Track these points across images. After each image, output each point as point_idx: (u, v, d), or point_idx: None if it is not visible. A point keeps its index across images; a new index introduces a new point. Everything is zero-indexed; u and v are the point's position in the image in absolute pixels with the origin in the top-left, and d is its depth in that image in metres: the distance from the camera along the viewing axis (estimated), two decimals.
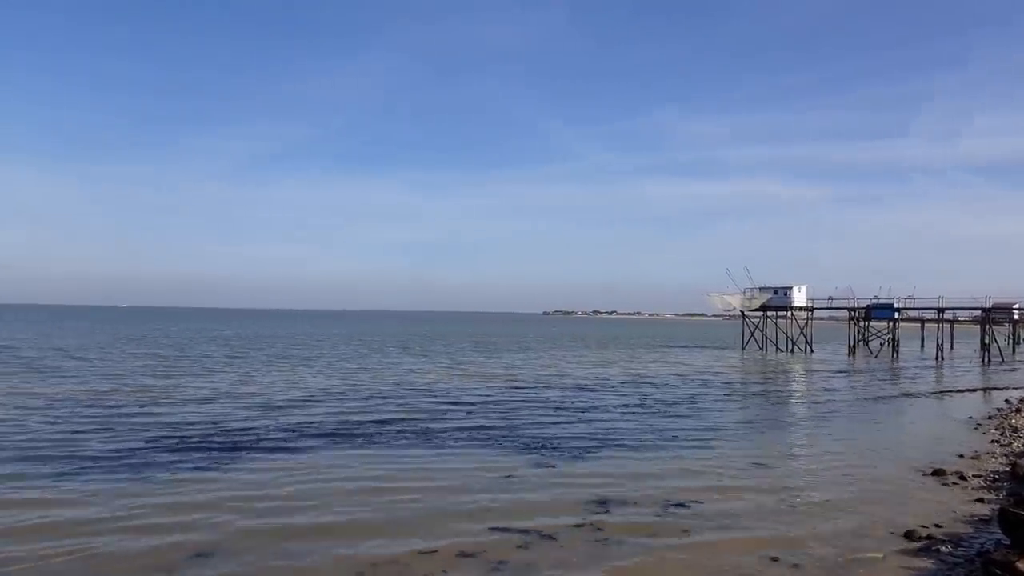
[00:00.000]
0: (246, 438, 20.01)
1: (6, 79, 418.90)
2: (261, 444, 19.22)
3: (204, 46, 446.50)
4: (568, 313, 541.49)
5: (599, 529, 12.18)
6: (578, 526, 12.32)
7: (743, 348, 74.76)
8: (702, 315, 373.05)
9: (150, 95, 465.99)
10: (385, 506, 13.50)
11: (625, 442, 20.57)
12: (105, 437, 19.69)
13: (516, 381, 38.48)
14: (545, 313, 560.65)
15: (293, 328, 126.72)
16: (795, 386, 40.02)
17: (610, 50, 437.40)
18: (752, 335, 75.42)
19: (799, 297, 72.75)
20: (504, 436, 21.20)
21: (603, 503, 13.86)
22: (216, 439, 19.80)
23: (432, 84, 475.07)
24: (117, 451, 17.87)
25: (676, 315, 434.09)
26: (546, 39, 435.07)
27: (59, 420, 22.39)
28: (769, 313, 74.43)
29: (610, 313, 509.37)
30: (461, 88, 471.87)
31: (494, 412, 26.14)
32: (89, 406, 25.51)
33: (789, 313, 73.07)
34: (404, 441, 20.05)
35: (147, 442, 19.11)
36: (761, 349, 72.70)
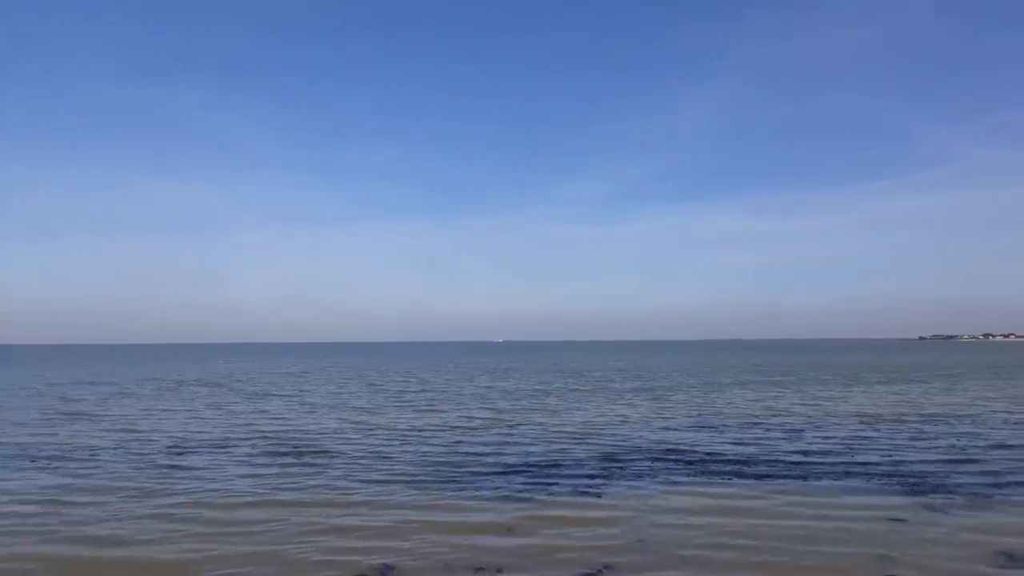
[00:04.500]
0: (610, 467, 20.69)
1: (400, 153, 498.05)
2: (625, 474, 19.73)
3: (548, 103, 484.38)
4: (950, 337, 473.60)
5: None
6: None
7: None
8: None
9: (509, 154, 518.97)
10: (770, 544, 12.93)
11: None
12: (482, 462, 21.77)
13: (890, 416, 34.42)
14: (921, 338, 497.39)
15: (647, 359, 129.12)
16: None
17: (987, 34, 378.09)
18: None
19: None
20: (886, 474, 19.01)
21: (1011, 558, 11.66)
22: (580, 467, 20.77)
23: (780, 103, 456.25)
24: (489, 472, 19.70)
25: None
26: (907, 34, 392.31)
27: (431, 446, 25.36)
28: None
29: (1006, 336, 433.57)
30: (812, 102, 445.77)
31: (870, 448, 23.64)
32: (461, 433, 28.58)
33: None
34: (775, 476, 19.01)
35: (526, 467, 20.75)
36: None
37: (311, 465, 21.02)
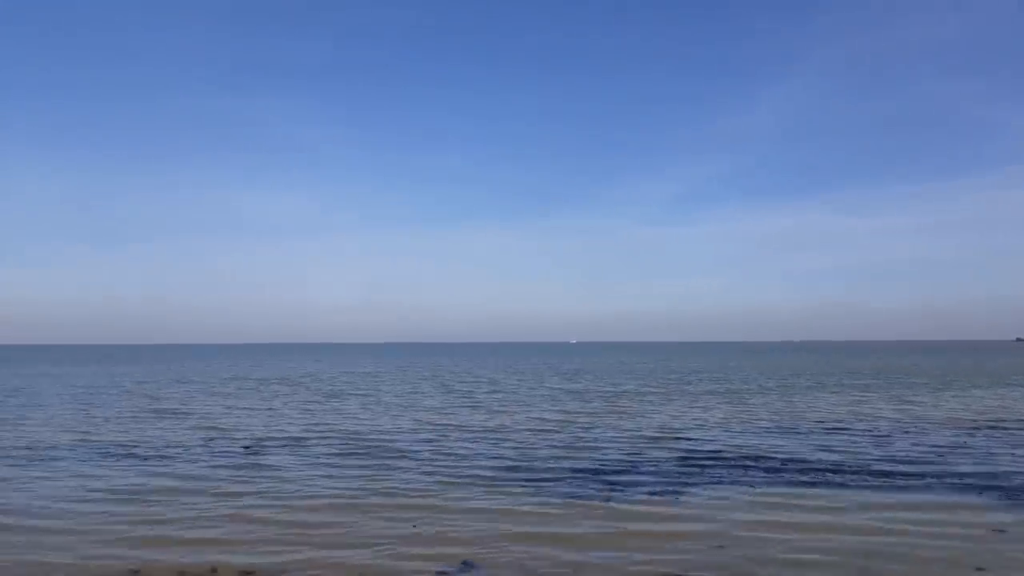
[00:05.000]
0: (687, 471, 20.18)
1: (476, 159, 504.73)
2: (702, 479, 19.17)
3: (615, 104, 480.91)
4: None
5: None
6: None
7: None
8: None
9: (576, 155, 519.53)
10: (856, 560, 12.26)
11: None
12: (554, 466, 21.52)
13: (987, 422, 32.53)
14: (1018, 339, 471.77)
15: (721, 361, 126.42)
16: None
17: None
18: None
19: None
20: (983, 485, 17.87)
21: None
22: (655, 471, 20.30)
23: (861, 98, 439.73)
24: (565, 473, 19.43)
25: None
26: (999, 22, 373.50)
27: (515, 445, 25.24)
28: None
29: None
30: (896, 96, 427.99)
31: (966, 456, 22.34)
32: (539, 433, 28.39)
33: None
34: (862, 486, 18.12)
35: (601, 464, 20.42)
36: None
37: (385, 466, 21.17)
